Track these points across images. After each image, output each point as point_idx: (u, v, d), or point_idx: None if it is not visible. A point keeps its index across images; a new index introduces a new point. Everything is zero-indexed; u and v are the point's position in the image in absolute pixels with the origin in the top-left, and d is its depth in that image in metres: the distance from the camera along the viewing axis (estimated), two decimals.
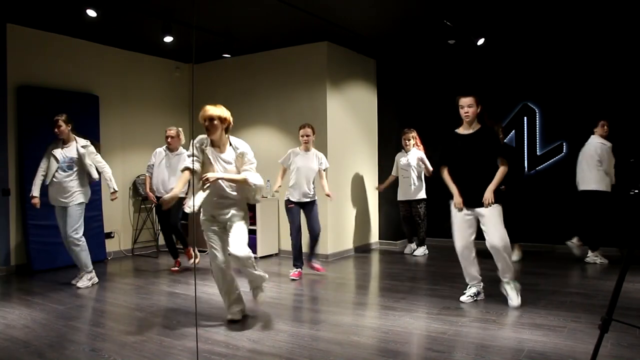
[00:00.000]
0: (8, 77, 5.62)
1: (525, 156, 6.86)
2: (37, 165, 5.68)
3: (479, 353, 3.05)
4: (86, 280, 5.00)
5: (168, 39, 5.72)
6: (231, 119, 3.63)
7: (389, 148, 7.43)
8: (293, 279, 5.23)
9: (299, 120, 6.61)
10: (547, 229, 6.68)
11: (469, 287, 4.28)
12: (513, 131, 6.93)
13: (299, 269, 5.33)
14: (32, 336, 3.47)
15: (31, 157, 5.71)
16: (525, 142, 6.85)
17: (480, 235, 4.15)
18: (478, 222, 4.09)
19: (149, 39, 6.35)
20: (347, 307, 4.26)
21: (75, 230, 4.89)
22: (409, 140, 6.55)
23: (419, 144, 6.66)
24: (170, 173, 5.61)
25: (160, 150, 5.77)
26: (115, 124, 6.75)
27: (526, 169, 6.84)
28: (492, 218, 3.94)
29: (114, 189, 5.14)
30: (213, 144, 3.60)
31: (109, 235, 6.63)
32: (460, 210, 4.08)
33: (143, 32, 6.15)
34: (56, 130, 4.93)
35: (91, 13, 4.99)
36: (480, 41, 6.04)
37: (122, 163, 6.82)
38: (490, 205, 3.93)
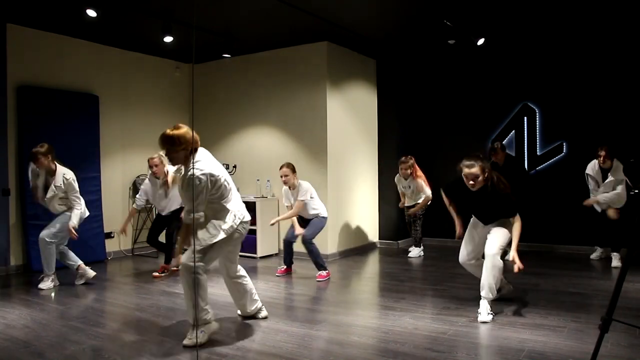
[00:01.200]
0: (8, 77, 5.62)
1: (526, 156, 6.86)
2: None
3: (479, 353, 3.06)
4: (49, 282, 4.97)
5: (168, 39, 5.72)
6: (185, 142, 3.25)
7: (389, 148, 7.43)
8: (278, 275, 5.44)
9: (299, 120, 6.63)
10: (547, 229, 6.68)
11: (481, 301, 3.79)
12: (513, 131, 6.93)
13: (284, 266, 5.52)
14: (32, 336, 3.47)
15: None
16: (525, 142, 6.85)
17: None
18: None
19: (149, 39, 6.34)
20: (347, 307, 4.26)
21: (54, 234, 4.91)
22: (406, 170, 6.28)
23: (417, 173, 6.34)
24: (165, 198, 5.52)
25: (147, 183, 5.68)
26: (115, 124, 6.75)
27: (526, 169, 6.84)
28: (498, 231, 3.81)
29: (74, 225, 4.92)
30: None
31: (109, 235, 6.63)
32: (460, 238, 4.10)
33: (143, 32, 6.15)
34: (37, 163, 4.80)
35: (91, 13, 4.99)
36: (480, 41, 6.04)
37: (122, 163, 6.82)
38: (521, 269, 3.61)
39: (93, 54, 6.48)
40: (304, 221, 5.42)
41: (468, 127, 7.29)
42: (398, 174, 6.48)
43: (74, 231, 4.89)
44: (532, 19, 5.73)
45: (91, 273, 5.13)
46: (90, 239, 6.16)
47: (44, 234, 4.88)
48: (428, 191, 6.34)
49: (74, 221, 4.91)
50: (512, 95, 6.92)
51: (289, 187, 5.37)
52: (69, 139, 6.07)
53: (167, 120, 7.34)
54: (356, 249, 7.02)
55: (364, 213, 7.23)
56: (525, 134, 6.84)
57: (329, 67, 6.49)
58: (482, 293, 3.76)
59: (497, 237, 3.79)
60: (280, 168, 5.34)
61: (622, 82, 6.18)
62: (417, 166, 6.39)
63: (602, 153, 5.53)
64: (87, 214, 5.14)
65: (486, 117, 7.13)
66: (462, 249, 4.11)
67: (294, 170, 5.33)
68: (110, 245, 6.67)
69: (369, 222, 7.37)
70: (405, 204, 6.62)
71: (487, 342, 3.25)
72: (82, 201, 5.03)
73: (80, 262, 5.13)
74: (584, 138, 6.38)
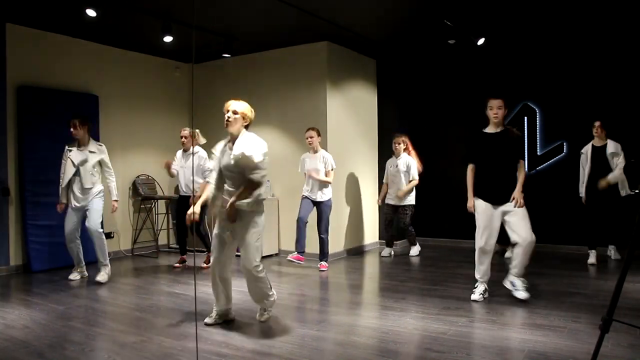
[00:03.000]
0: (8, 77, 5.62)
1: (526, 156, 6.85)
2: (37, 165, 5.71)
3: (479, 353, 3.05)
4: (104, 274, 5.19)
5: (168, 39, 5.72)
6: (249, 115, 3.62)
7: (389, 148, 7.41)
8: (290, 260, 5.57)
9: (299, 120, 6.62)
10: (547, 229, 6.67)
11: (478, 284, 4.31)
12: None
13: (297, 253, 5.63)
14: (32, 336, 3.47)
15: (31, 157, 5.73)
16: (526, 142, 6.84)
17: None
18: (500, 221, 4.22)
19: (149, 39, 6.34)
20: (347, 307, 4.26)
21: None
22: (399, 144, 6.50)
23: (410, 149, 6.59)
24: (187, 173, 5.76)
25: (179, 152, 6.00)
26: (115, 124, 6.75)
27: (526, 169, 6.84)
28: (521, 214, 4.12)
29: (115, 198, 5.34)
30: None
31: (109, 236, 6.62)
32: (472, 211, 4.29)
33: (143, 32, 6.15)
34: (75, 130, 5.10)
35: (91, 13, 4.98)
36: (480, 41, 6.04)
37: (122, 163, 6.81)
38: (522, 206, 4.10)
39: (93, 54, 6.48)
40: (314, 203, 5.69)
41: (468, 127, 7.26)
42: (391, 157, 6.67)
43: (116, 205, 5.27)
44: (532, 19, 5.73)
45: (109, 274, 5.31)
46: (89, 239, 6.14)
47: (93, 225, 5.06)
48: (415, 173, 6.42)
49: (114, 193, 5.27)
50: (512, 95, 6.90)
51: (312, 150, 5.74)
52: (69, 139, 6.05)
53: (167, 120, 7.35)
54: (356, 249, 7.02)
55: (364, 213, 7.22)
56: (526, 134, 6.84)
57: (329, 67, 6.49)
58: (515, 272, 4.19)
59: (524, 221, 4.10)
60: (307, 130, 5.74)
61: (622, 82, 6.17)
62: (411, 146, 6.60)
63: (597, 123, 5.65)
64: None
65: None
66: (483, 232, 4.22)
67: (319, 134, 5.75)
68: (111, 245, 6.65)
69: (369, 222, 7.37)
70: (387, 199, 6.61)
71: (487, 342, 3.25)
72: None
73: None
74: (584, 138, 6.36)
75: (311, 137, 5.70)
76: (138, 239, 6.98)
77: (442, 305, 4.15)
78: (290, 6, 5.10)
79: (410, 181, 6.40)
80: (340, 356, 3.05)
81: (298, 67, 6.69)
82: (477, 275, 4.30)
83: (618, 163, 5.56)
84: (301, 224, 5.63)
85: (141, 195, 6.89)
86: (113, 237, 6.71)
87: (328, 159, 5.72)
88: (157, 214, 7.17)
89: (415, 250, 6.60)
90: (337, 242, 6.63)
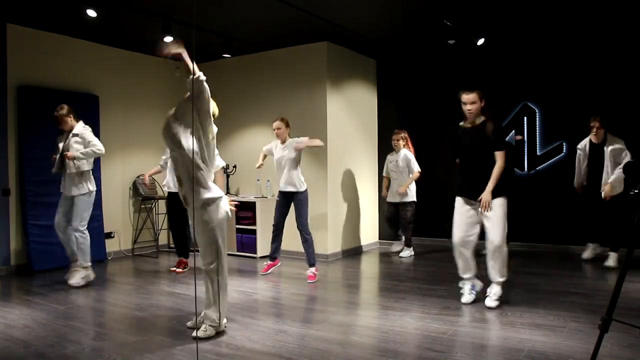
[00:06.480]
0: (8, 77, 5.62)
1: (525, 156, 6.86)
2: (38, 165, 5.71)
3: (479, 353, 3.06)
4: (79, 279, 4.95)
5: (168, 39, 5.70)
6: None
7: (389, 148, 7.42)
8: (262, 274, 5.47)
9: (299, 120, 6.62)
10: (547, 229, 6.68)
11: (464, 282, 4.23)
12: (513, 131, 6.93)
13: (268, 262, 5.54)
14: (32, 336, 3.48)
15: (31, 157, 5.73)
16: (525, 142, 6.84)
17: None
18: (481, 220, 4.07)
19: (149, 39, 6.34)
20: (347, 307, 4.27)
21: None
22: (399, 140, 6.52)
23: (410, 145, 6.61)
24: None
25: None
26: (115, 124, 6.75)
27: (526, 169, 6.85)
28: (496, 215, 3.93)
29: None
30: None
31: (109, 235, 6.63)
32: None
33: (143, 32, 6.15)
34: (61, 125, 4.99)
35: (91, 13, 4.98)
36: (480, 41, 6.04)
37: (122, 163, 6.82)
38: (490, 209, 3.91)
39: (93, 54, 6.48)
40: (284, 196, 5.33)
41: None
42: (391, 153, 6.68)
43: (69, 154, 4.85)
44: (532, 19, 5.73)
45: (89, 278, 5.17)
46: (90, 238, 6.15)
47: (73, 224, 4.89)
48: (416, 166, 6.42)
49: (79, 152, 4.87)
50: (512, 95, 6.91)
51: (281, 141, 5.36)
52: None
53: None
54: (356, 249, 7.02)
55: (363, 213, 7.23)
56: (525, 134, 6.84)
57: (329, 67, 6.49)
58: (495, 278, 4.02)
59: (493, 222, 3.92)
60: (274, 121, 5.36)
61: (622, 82, 6.17)
62: (410, 142, 6.61)
63: (596, 124, 5.47)
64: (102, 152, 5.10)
65: (485, 114, 7.11)
66: (455, 228, 4.13)
67: (287, 125, 5.37)
68: (111, 245, 6.67)
69: (368, 222, 7.37)
70: (388, 197, 6.61)
71: (487, 342, 3.25)
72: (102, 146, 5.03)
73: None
74: (584, 138, 6.37)
75: (278, 129, 5.33)
76: (138, 239, 6.99)
77: (442, 305, 4.15)
78: (290, 6, 5.10)
79: (410, 176, 6.41)
80: (340, 356, 3.06)
81: (298, 67, 6.69)
82: (460, 272, 4.23)
83: (622, 161, 5.32)
84: (276, 230, 5.43)
85: (141, 195, 6.89)
86: (113, 236, 6.71)
87: (298, 140, 5.32)
88: (158, 214, 7.17)
89: (407, 252, 6.53)
90: (337, 242, 6.63)
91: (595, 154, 5.63)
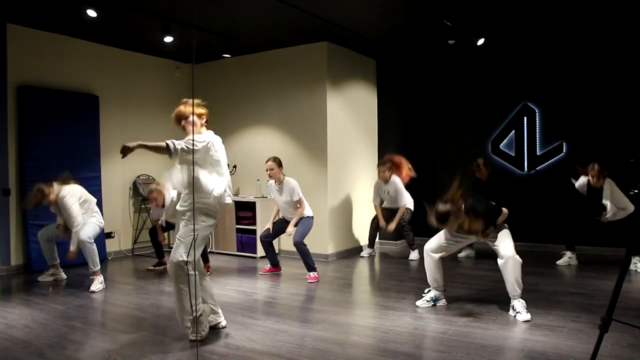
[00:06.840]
0: (8, 77, 5.62)
1: (525, 156, 6.87)
2: (37, 165, 5.72)
3: (479, 353, 3.06)
4: (98, 284, 4.89)
5: (168, 39, 5.72)
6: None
7: (389, 148, 7.42)
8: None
9: (299, 121, 6.63)
10: (547, 229, 6.68)
11: (428, 290, 4.21)
12: (513, 131, 6.94)
13: (270, 267, 5.61)
14: (32, 336, 3.48)
15: (31, 157, 5.73)
16: (525, 142, 6.85)
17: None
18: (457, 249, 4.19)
19: (149, 39, 6.34)
20: (347, 307, 4.27)
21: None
22: (385, 172, 6.28)
23: (401, 170, 6.32)
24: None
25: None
26: (115, 124, 6.75)
27: (526, 169, 6.85)
28: (502, 237, 3.89)
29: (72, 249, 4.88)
30: None
31: (109, 235, 6.63)
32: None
33: (143, 32, 6.15)
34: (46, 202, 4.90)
35: (91, 13, 4.98)
36: (480, 41, 6.03)
37: (122, 163, 6.80)
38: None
39: (93, 54, 6.48)
40: (286, 222, 5.43)
41: (468, 127, 7.29)
42: (377, 180, 6.49)
43: (72, 253, 4.84)
44: (532, 19, 5.73)
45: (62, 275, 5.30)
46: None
47: (80, 236, 4.85)
48: (404, 198, 6.29)
49: (71, 247, 4.82)
50: (512, 95, 6.92)
51: (275, 182, 5.36)
52: (69, 139, 6.07)
53: (167, 121, 7.31)
54: (356, 249, 7.02)
55: (363, 213, 7.22)
56: (525, 134, 6.85)
57: (329, 67, 6.49)
58: (512, 293, 3.81)
59: (503, 241, 3.86)
60: (267, 162, 5.28)
61: (622, 82, 6.18)
62: (403, 166, 6.33)
63: (594, 173, 5.40)
64: (97, 228, 5.08)
65: (486, 117, 7.14)
66: (434, 239, 4.14)
67: (280, 165, 5.29)
68: (111, 245, 6.67)
69: (369, 222, 7.35)
70: (383, 205, 6.52)
71: (487, 342, 3.25)
72: (80, 218, 4.86)
73: (57, 261, 5.26)
74: (584, 138, 6.38)
75: (271, 170, 5.22)
76: (138, 239, 6.99)
77: (442, 305, 4.15)
78: (290, 6, 5.10)
79: (398, 208, 6.31)
80: (340, 356, 3.06)
81: (298, 67, 6.69)
82: (428, 280, 4.18)
83: (624, 208, 5.33)
84: (265, 245, 5.46)
85: (141, 195, 6.89)
86: (113, 237, 6.71)
87: (295, 189, 5.23)
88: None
89: (414, 255, 6.49)
90: (337, 242, 6.63)
91: (594, 196, 5.57)
